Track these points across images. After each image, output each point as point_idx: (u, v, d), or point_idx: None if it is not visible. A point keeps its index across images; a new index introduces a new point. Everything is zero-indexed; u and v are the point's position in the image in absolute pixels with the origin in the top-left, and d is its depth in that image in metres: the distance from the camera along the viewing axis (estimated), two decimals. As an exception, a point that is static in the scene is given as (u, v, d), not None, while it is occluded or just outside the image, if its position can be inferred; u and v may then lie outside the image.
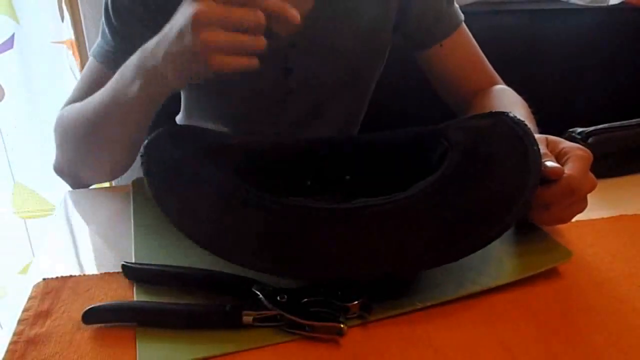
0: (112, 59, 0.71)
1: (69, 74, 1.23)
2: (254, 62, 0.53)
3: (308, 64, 0.75)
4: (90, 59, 0.74)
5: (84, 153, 0.68)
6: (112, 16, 0.71)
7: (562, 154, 0.51)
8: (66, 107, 0.72)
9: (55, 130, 0.72)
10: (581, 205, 0.50)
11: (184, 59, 0.53)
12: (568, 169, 0.48)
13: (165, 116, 0.91)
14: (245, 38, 0.51)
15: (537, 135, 0.53)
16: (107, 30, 0.72)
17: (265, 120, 0.80)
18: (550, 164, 0.48)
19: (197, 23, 0.50)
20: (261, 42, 0.53)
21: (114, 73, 0.68)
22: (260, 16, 0.51)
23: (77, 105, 0.69)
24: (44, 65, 1.19)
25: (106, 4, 0.72)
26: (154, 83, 0.58)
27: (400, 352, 0.41)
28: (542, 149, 0.51)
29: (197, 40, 0.50)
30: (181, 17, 0.52)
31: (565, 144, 0.52)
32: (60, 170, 0.74)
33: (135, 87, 0.59)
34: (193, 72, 0.55)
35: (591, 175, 0.50)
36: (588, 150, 0.50)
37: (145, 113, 0.62)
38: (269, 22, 0.72)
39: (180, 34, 0.52)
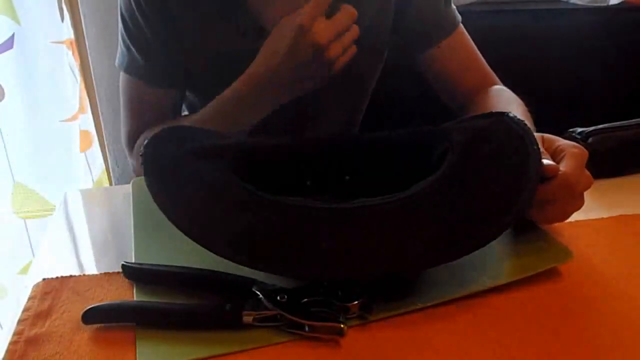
0: (139, 72, 0.75)
1: (69, 74, 1.23)
2: (355, 49, 0.66)
3: None
4: (126, 76, 0.77)
5: None
6: (131, 29, 0.73)
7: (557, 152, 0.51)
8: (146, 135, 0.76)
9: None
10: (578, 203, 0.50)
11: (312, 76, 0.66)
12: (563, 166, 0.48)
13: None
14: (349, 34, 0.64)
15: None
16: (130, 45, 0.74)
17: (264, 123, 0.80)
18: (545, 161, 0.48)
19: (321, 49, 0.62)
20: (355, 30, 0.65)
21: (154, 87, 0.76)
22: (354, 12, 0.63)
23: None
24: (44, 65, 1.19)
25: (122, 18, 0.74)
26: (275, 102, 0.69)
27: (400, 352, 0.41)
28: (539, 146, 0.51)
29: (326, 58, 0.63)
30: (297, 46, 0.63)
31: (560, 141, 0.52)
32: None
33: (240, 116, 0.70)
34: (319, 83, 0.68)
35: (587, 172, 0.50)
36: (583, 148, 0.51)
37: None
38: (263, 21, 0.72)
39: (306, 60, 0.63)
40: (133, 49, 0.75)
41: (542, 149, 0.50)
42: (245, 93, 0.68)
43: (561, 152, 0.50)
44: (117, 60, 0.77)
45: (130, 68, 0.76)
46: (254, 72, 0.68)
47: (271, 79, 0.66)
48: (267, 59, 0.66)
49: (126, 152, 0.82)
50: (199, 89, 0.81)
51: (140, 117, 0.78)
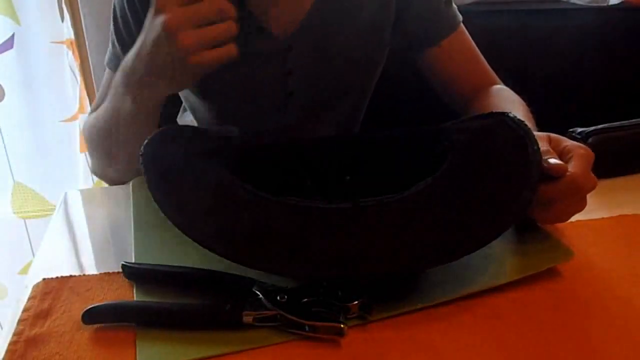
0: None
1: (69, 74, 1.23)
2: (233, 50, 0.56)
3: (307, 66, 0.75)
4: (109, 71, 0.77)
5: (105, 157, 0.71)
6: (120, 27, 0.73)
7: (564, 152, 0.51)
8: (89, 117, 0.75)
9: (85, 138, 0.75)
10: (581, 204, 0.50)
11: (168, 67, 0.56)
12: (572, 167, 0.48)
13: (165, 116, 0.91)
14: (216, 28, 0.54)
15: (539, 133, 0.53)
16: (115, 41, 0.74)
17: (265, 122, 0.80)
18: (553, 161, 0.48)
19: (171, 31, 0.53)
20: (232, 27, 0.55)
21: None
22: (224, 2, 0.54)
23: (94, 115, 0.72)
24: (44, 65, 1.19)
25: (114, 15, 0.74)
26: (145, 95, 0.61)
27: (400, 352, 0.41)
28: (545, 146, 0.51)
29: (177, 46, 0.53)
30: (153, 29, 0.55)
31: (567, 142, 0.52)
32: (94, 172, 0.78)
33: (127, 103, 0.62)
34: (182, 77, 0.58)
35: (592, 174, 0.50)
36: (590, 149, 0.51)
37: (146, 120, 0.64)
38: (267, 23, 0.72)
39: (158, 45, 0.55)
40: (117, 45, 0.74)
41: (549, 148, 0.50)
42: (122, 88, 0.63)
43: (568, 153, 0.50)
44: (105, 61, 0.77)
45: (112, 63, 0.75)
46: (123, 67, 0.62)
47: (143, 74, 0.59)
48: (137, 52, 0.58)
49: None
50: (199, 89, 0.81)
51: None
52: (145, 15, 0.71)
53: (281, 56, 0.74)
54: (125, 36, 0.74)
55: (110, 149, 0.69)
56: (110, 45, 0.77)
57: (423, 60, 0.82)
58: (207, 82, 0.78)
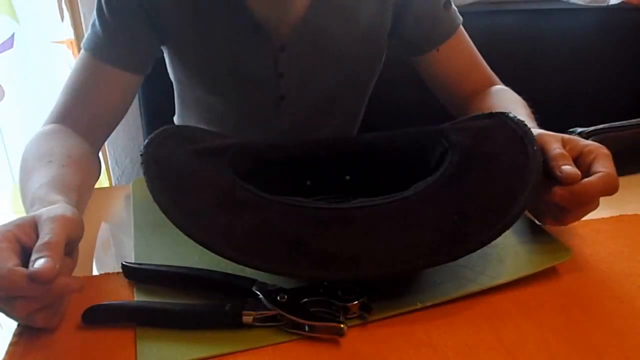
0: (103, 51, 0.71)
1: (68, 74, 1.23)
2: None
3: (299, 68, 0.74)
4: (82, 51, 0.73)
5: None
6: (105, 11, 0.70)
7: (585, 153, 0.50)
8: (43, 127, 0.70)
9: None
10: (597, 205, 0.50)
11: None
12: (604, 167, 0.48)
13: (163, 116, 0.91)
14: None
15: (552, 134, 0.52)
16: (98, 25, 0.71)
17: (260, 126, 0.80)
18: (567, 168, 0.48)
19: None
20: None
21: (103, 62, 0.70)
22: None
23: (33, 153, 0.64)
24: (44, 65, 1.19)
25: (99, 1, 0.71)
26: None
27: (400, 352, 0.41)
28: (559, 149, 0.50)
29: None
30: None
31: (584, 142, 0.51)
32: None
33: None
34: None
35: None
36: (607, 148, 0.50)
37: None
38: (264, 21, 0.72)
39: None
40: (100, 29, 0.70)
41: (564, 152, 0.50)
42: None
43: (591, 153, 0.50)
44: (82, 44, 0.73)
45: (88, 44, 0.71)
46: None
47: None
48: None
49: (40, 128, 0.73)
50: (192, 90, 0.81)
51: (86, 99, 0.73)
52: (128, 2, 0.69)
53: (273, 57, 0.73)
54: (109, 19, 0.70)
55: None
56: (90, 27, 0.72)
57: (421, 64, 0.81)
58: (203, 77, 0.77)
